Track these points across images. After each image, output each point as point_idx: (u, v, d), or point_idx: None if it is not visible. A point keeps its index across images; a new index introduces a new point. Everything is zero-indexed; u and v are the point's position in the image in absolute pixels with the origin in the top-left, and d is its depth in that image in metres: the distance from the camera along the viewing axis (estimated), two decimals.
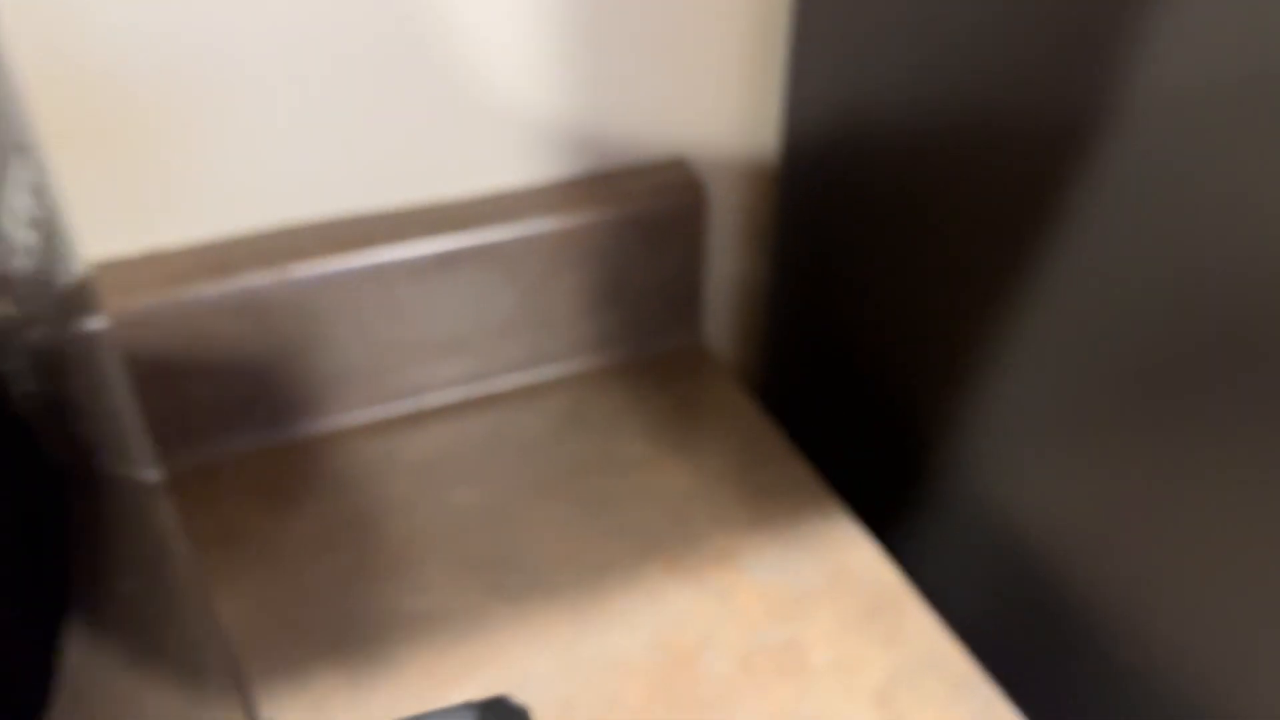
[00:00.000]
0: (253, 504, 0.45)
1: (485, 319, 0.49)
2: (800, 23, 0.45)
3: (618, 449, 0.48)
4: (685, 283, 0.52)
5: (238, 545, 0.43)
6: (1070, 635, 0.37)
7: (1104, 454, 0.33)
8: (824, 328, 0.50)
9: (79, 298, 0.17)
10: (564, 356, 0.52)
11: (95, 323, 0.18)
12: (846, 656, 0.38)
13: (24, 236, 0.14)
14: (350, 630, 0.39)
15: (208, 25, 0.41)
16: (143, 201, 0.44)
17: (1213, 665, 0.31)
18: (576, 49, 0.46)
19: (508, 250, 0.48)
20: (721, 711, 0.36)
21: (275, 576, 0.42)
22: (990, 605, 0.41)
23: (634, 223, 0.49)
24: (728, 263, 0.56)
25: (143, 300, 0.43)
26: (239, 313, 0.45)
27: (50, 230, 0.15)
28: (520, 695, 0.37)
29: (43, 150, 0.16)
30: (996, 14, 0.33)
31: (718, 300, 0.57)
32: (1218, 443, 0.29)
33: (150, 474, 0.19)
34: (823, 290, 0.49)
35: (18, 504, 0.16)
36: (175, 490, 0.46)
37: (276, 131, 0.44)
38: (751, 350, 0.60)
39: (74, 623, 0.17)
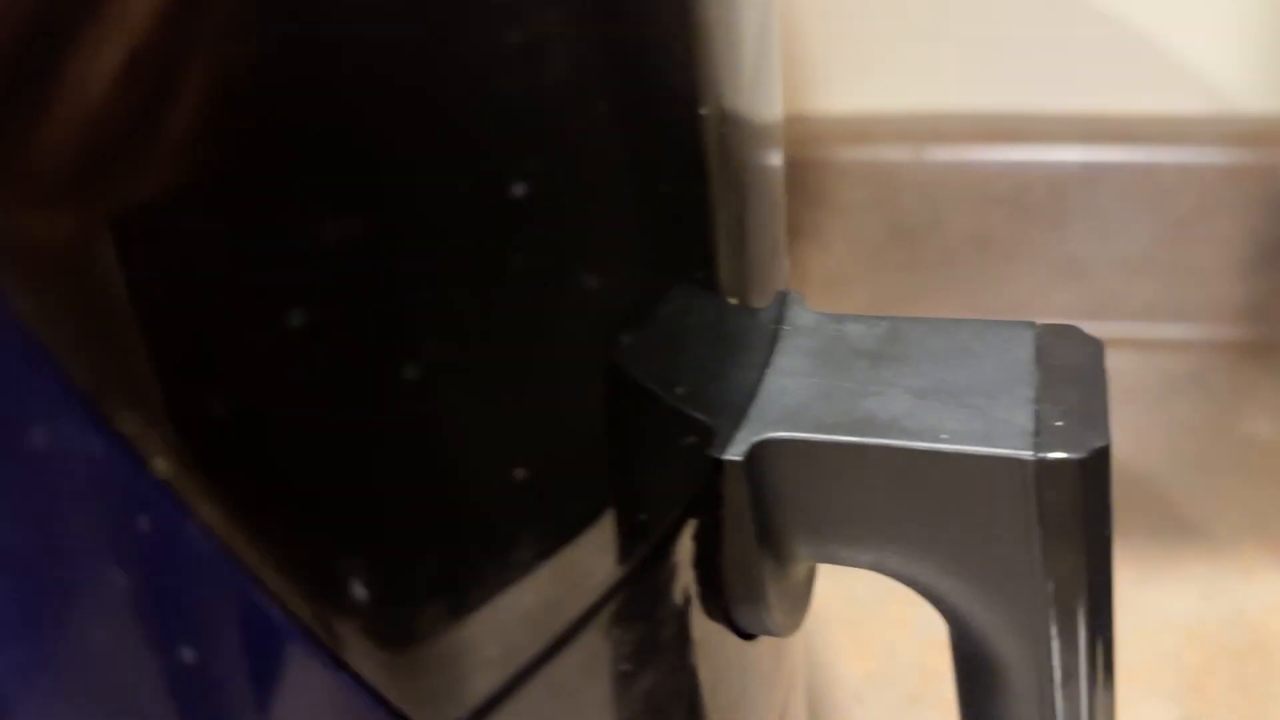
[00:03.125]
0: None
1: (1115, 248, 0.45)
2: None
3: (1237, 424, 0.43)
4: None
5: None
6: None
7: None
8: None
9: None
10: (1199, 316, 0.46)
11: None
12: None
13: None
14: None
15: None
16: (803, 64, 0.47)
17: None
18: None
19: (1159, 176, 0.43)
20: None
21: None
22: None
23: None
24: None
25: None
26: (866, 182, 0.45)
27: None
28: None
29: None
30: None
31: None
32: None
33: None
34: None
35: None
36: None
37: (929, 12, 0.45)
38: None
39: None
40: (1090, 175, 0.45)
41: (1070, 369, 0.17)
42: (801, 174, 0.48)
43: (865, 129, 0.47)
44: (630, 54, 0.12)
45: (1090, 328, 0.49)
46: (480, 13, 0.10)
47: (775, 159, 0.18)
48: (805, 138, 0.47)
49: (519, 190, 0.11)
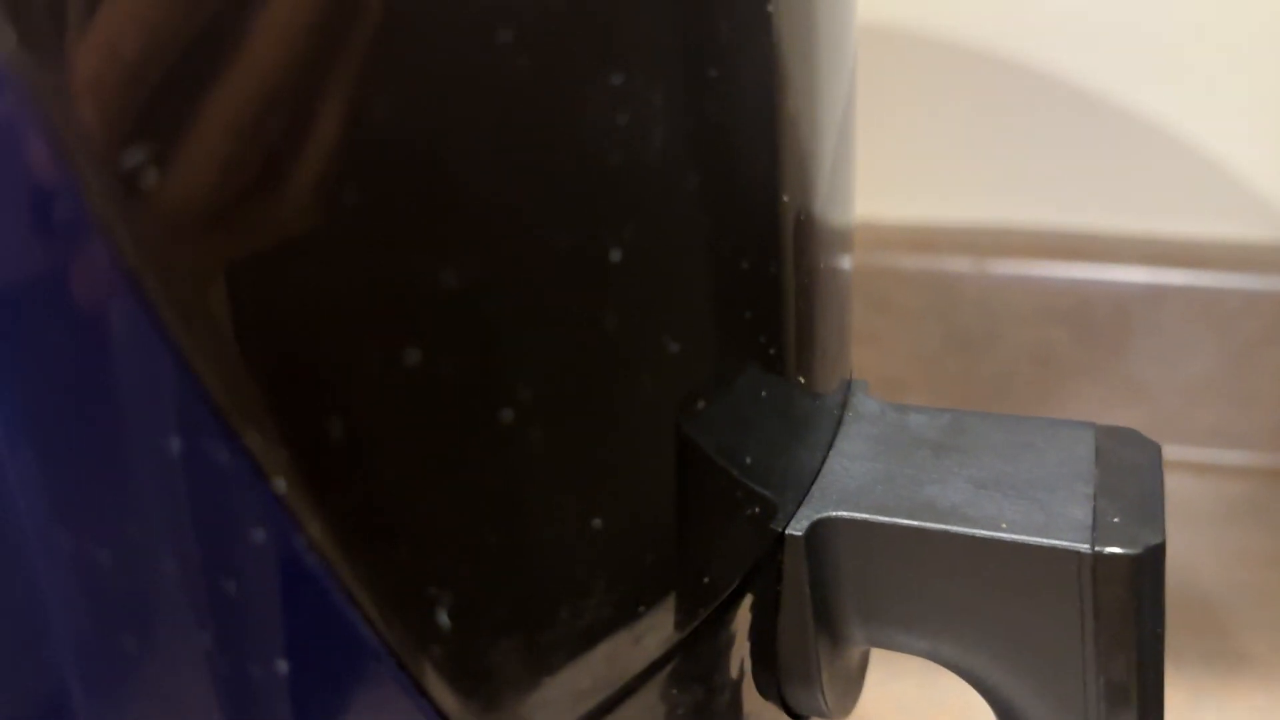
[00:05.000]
0: None
1: (1176, 372, 0.46)
2: None
3: None
4: None
5: None
6: None
7: None
8: None
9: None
10: (1260, 444, 0.46)
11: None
12: None
13: None
14: None
15: None
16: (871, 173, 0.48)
17: None
18: None
19: (1224, 301, 0.44)
20: None
21: None
22: None
23: None
24: None
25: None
26: (927, 290, 0.47)
27: None
28: None
29: None
30: None
31: None
32: None
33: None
34: None
35: None
36: None
37: (998, 128, 0.46)
38: None
39: None
40: (1154, 297, 0.46)
41: (1129, 468, 0.17)
42: (864, 279, 0.49)
43: (929, 238, 0.48)
44: (726, 142, 0.13)
45: None
46: (594, 97, 0.11)
47: (846, 256, 0.19)
48: (869, 243, 0.48)
49: (615, 256, 0.12)
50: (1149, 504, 0.16)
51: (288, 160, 0.10)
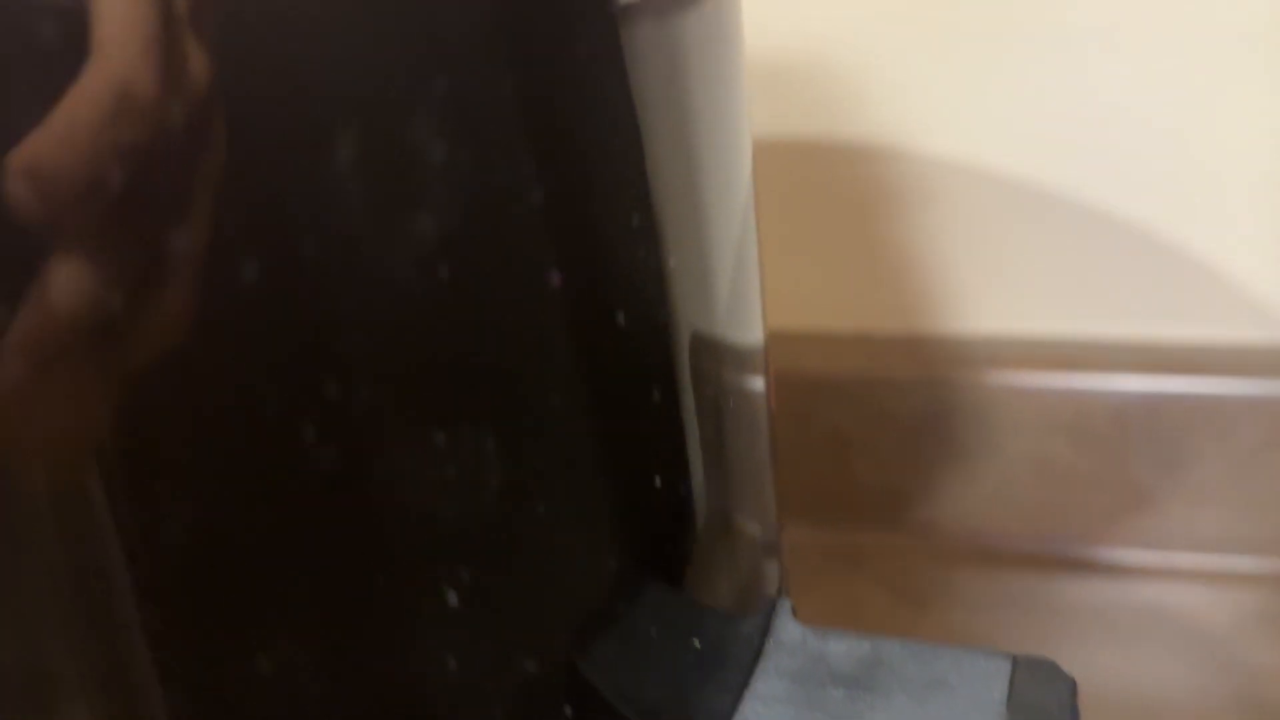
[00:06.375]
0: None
1: (1178, 479, 0.46)
2: None
3: None
4: None
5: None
6: None
7: None
8: None
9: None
10: (1266, 549, 0.46)
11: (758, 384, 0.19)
12: None
13: None
14: None
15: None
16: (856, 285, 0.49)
17: None
18: None
19: (1223, 407, 0.45)
20: None
21: None
22: None
23: None
24: None
25: (836, 370, 0.48)
26: (924, 401, 0.47)
27: None
28: None
29: None
30: None
31: None
32: None
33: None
34: None
35: None
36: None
37: (991, 239, 0.47)
38: None
39: None
40: (1152, 405, 0.45)
41: (1038, 711, 0.17)
42: (861, 389, 0.49)
43: (925, 350, 0.48)
44: (561, 465, 0.13)
45: (1154, 559, 0.48)
46: (413, 460, 0.11)
47: (758, 497, 0.19)
48: (867, 355, 0.48)
49: (453, 599, 0.12)
50: None
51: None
